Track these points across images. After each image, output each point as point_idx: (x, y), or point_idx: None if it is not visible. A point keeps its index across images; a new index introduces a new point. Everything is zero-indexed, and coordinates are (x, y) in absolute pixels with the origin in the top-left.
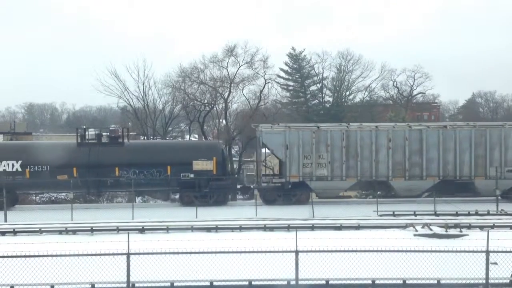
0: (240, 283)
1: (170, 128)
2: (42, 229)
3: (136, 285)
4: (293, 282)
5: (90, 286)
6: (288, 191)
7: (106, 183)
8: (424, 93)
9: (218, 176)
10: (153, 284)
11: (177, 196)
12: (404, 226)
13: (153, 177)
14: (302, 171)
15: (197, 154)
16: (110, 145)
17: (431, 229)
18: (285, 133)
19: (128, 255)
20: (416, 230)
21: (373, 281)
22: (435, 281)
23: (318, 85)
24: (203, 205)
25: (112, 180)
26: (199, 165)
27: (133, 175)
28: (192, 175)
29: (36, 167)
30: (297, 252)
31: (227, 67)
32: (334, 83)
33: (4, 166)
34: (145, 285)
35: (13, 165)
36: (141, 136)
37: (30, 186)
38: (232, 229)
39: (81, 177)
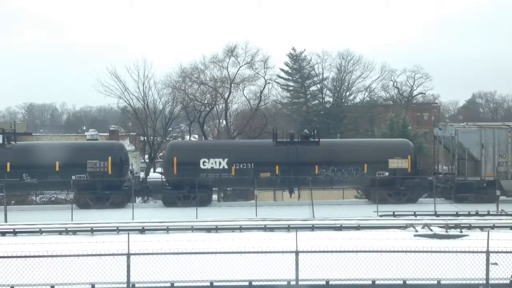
0: (240, 283)
1: (170, 129)
2: (42, 230)
3: (136, 285)
4: (293, 283)
5: (90, 286)
6: (481, 189)
7: (304, 181)
8: (424, 94)
9: (412, 175)
10: (153, 285)
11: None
12: (404, 227)
13: (350, 175)
14: (497, 169)
15: (393, 152)
16: (307, 144)
17: (431, 230)
18: (481, 132)
19: (128, 255)
20: (416, 231)
21: (373, 282)
22: (435, 282)
23: (318, 85)
24: (396, 202)
25: (310, 177)
26: (395, 163)
27: (331, 173)
28: (387, 173)
29: (241, 164)
30: (297, 253)
31: (227, 67)
32: (334, 83)
33: (212, 163)
34: (145, 285)
35: (220, 163)
36: (141, 137)
37: (234, 183)
38: (232, 229)
39: (282, 175)
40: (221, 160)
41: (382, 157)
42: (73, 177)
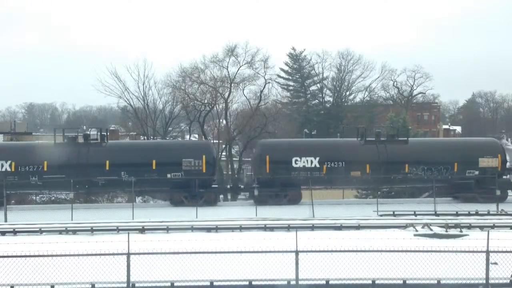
0: (240, 283)
1: (170, 128)
2: (42, 229)
3: (136, 285)
4: (293, 282)
5: (90, 286)
6: None
7: (394, 179)
8: (424, 93)
9: (501, 173)
10: (153, 284)
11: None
12: (404, 226)
13: (440, 174)
14: None
15: (482, 151)
16: (395, 143)
17: (431, 229)
18: None
19: (128, 255)
20: (416, 230)
21: (373, 281)
22: (435, 281)
23: (318, 85)
24: (486, 201)
25: (400, 176)
26: (485, 162)
27: (421, 172)
28: (477, 172)
29: (333, 163)
30: (297, 252)
31: (227, 67)
32: (334, 83)
33: (304, 162)
34: (145, 285)
35: (311, 161)
36: (141, 136)
37: (325, 181)
38: (232, 229)
39: (372, 174)
40: (312, 158)
41: (472, 156)
42: (168, 175)
